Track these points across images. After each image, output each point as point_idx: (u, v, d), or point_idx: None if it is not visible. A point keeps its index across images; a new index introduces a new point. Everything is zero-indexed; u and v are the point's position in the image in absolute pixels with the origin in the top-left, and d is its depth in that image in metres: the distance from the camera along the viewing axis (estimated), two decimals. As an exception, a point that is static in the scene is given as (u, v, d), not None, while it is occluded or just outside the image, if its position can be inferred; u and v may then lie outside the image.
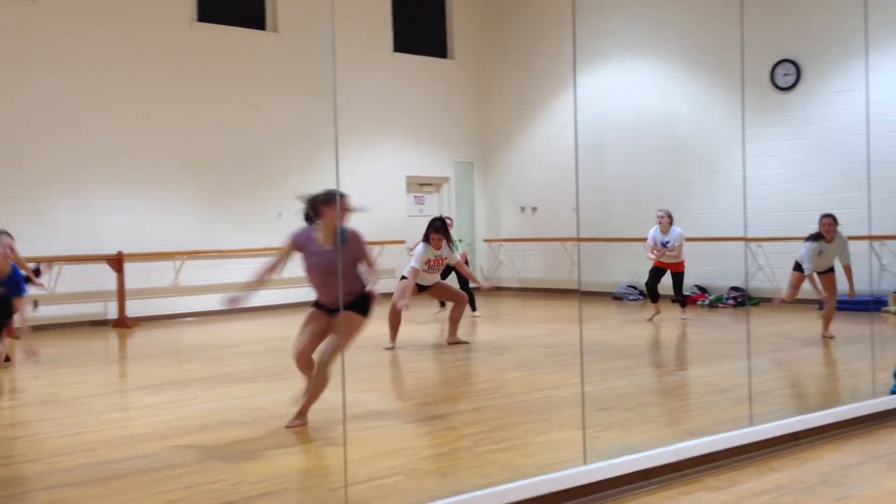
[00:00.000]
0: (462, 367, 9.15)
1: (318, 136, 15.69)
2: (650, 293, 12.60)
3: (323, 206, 6.32)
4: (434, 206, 18.19)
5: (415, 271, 10.00)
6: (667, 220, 12.48)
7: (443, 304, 13.66)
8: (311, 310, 6.62)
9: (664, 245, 12.46)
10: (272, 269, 6.44)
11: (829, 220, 10.09)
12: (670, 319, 12.50)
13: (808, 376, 8.35)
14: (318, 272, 6.39)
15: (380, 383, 8.46)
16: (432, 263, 10.16)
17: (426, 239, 10.13)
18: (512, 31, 18.54)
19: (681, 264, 12.66)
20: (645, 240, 13.06)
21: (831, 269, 10.40)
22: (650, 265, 12.72)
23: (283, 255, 6.46)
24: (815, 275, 10.28)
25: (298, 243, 6.42)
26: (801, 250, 10.38)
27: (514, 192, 18.56)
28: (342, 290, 6.35)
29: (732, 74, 14.83)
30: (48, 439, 6.16)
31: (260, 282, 6.45)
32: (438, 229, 10.12)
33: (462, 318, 10.68)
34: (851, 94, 13.87)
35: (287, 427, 6.31)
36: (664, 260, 12.50)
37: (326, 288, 6.44)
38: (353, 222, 6.51)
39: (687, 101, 15.85)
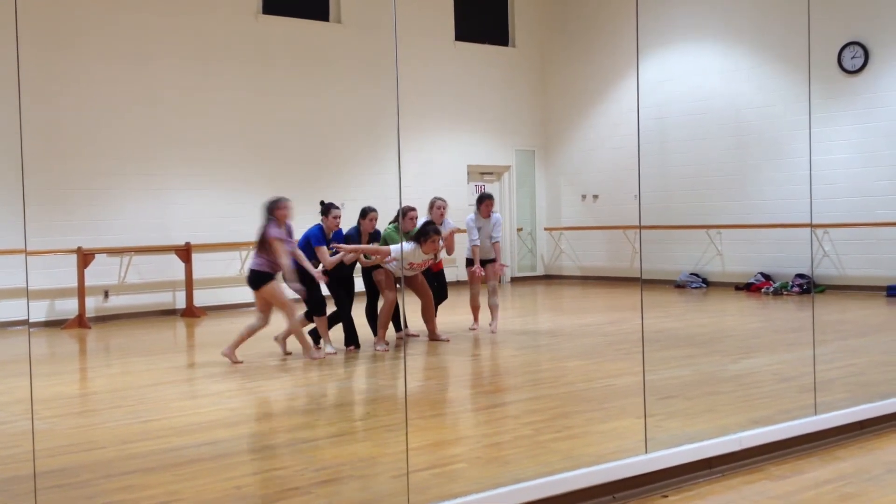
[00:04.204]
0: (523, 356, 9.16)
1: (381, 125, 15.79)
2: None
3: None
4: (495, 195, 18.16)
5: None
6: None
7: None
8: None
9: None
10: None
11: None
12: (734, 308, 12.35)
13: (875, 364, 8.20)
14: None
15: (441, 371, 8.51)
16: (414, 266, 9.36)
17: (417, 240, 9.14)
18: (574, 18, 18.43)
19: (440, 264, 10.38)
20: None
21: None
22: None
23: None
24: None
25: None
26: None
27: (576, 180, 18.48)
28: None
29: (799, 58, 14.57)
30: (119, 426, 6.31)
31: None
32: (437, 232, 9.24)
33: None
34: (922, 76, 13.58)
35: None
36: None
37: None
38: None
39: (752, 85, 15.60)
